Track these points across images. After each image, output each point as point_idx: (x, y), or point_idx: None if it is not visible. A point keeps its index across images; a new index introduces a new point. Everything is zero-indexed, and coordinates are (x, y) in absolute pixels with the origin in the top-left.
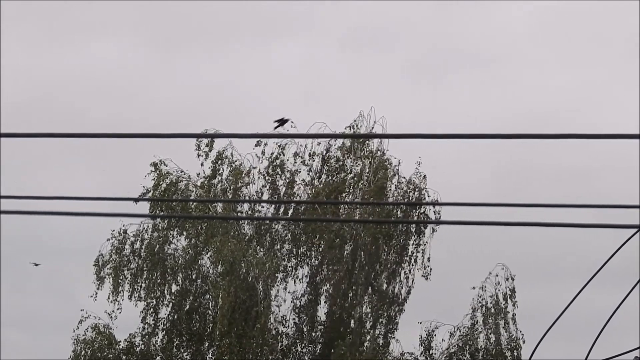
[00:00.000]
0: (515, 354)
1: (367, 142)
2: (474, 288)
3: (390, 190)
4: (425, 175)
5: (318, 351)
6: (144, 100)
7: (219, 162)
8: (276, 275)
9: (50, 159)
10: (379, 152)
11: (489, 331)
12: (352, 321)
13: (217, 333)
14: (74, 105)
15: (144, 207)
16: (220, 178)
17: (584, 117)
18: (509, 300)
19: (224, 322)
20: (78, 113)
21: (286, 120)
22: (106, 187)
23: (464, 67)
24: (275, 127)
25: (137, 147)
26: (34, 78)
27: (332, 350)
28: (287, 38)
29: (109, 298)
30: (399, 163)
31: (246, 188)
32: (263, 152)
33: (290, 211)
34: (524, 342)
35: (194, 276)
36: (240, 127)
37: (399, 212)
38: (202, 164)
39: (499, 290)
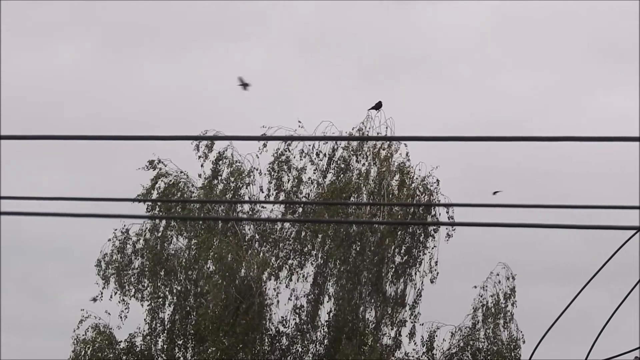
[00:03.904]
0: (515, 354)
1: (374, 143)
2: (475, 287)
3: (400, 192)
4: (438, 180)
5: (321, 352)
6: (117, 101)
7: (220, 163)
8: (272, 274)
9: (26, 159)
10: (397, 154)
11: (489, 331)
12: (357, 322)
13: (205, 331)
14: (43, 107)
15: (144, 208)
16: (220, 179)
17: (539, 119)
18: (509, 300)
19: (208, 320)
20: (48, 114)
21: (380, 105)
22: (97, 189)
23: (417, 69)
24: (370, 109)
25: (118, 148)
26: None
27: (336, 351)
28: (243, 40)
29: (111, 298)
30: (409, 165)
31: (247, 188)
32: (265, 145)
33: (300, 209)
34: (524, 342)
35: (195, 276)
36: (223, 127)
37: (403, 211)
38: (202, 165)
39: (499, 289)
